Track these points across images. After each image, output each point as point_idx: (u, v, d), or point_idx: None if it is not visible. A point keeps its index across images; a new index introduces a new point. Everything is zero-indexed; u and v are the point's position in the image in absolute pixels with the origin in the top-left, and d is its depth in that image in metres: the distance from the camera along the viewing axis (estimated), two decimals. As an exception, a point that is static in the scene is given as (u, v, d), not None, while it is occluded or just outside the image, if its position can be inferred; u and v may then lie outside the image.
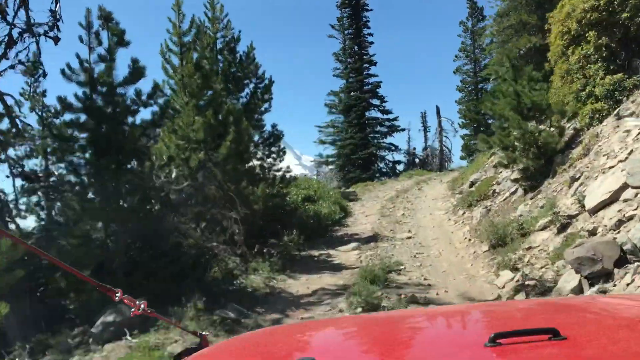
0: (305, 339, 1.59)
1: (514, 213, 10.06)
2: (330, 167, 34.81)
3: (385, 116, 34.70)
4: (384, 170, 34.50)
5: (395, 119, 34.73)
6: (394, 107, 35.23)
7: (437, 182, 23.79)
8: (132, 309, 1.73)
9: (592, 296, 4.38)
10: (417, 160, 35.68)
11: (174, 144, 8.61)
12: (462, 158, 40.54)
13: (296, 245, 10.30)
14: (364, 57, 34.38)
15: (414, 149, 36.73)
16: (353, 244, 11.28)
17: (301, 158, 31.58)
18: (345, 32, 34.87)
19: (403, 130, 35.36)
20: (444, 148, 37.79)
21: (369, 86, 34.18)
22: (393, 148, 35.08)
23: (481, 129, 39.72)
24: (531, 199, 10.13)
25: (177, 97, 9.80)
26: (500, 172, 12.83)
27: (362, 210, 16.23)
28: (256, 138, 11.48)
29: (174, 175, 8.69)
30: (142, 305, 1.74)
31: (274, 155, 11.67)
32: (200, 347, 1.65)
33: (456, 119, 44.06)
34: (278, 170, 11.63)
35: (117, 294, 1.67)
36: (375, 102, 34.59)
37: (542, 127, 10.84)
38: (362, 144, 33.13)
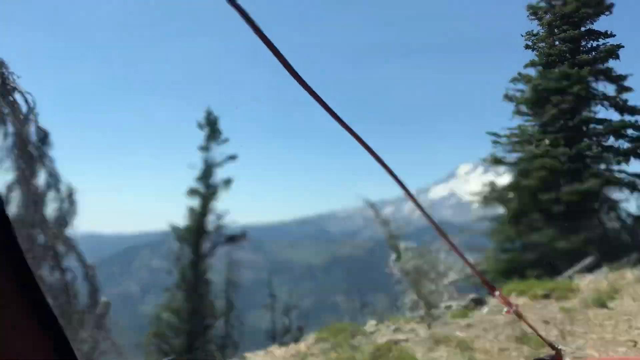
0: None
1: None
2: (501, 210, 18.61)
3: (625, 117, 16.95)
4: (613, 233, 16.64)
5: (647, 123, 16.72)
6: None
7: None
8: (505, 310, 1.94)
9: None
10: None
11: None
12: None
13: None
14: (585, -3, 17.22)
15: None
16: None
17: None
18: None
19: (666, 147, 16.89)
20: None
21: (592, 54, 16.88)
22: (638, 183, 17.05)
23: None
24: None
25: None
26: None
27: None
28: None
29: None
30: (514, 307, 1.91)
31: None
32: None
33: None
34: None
35: (496, 292, 1.83)
36: (605, 88, 17.15)
37: None
38: (569, 171, 16.43)
